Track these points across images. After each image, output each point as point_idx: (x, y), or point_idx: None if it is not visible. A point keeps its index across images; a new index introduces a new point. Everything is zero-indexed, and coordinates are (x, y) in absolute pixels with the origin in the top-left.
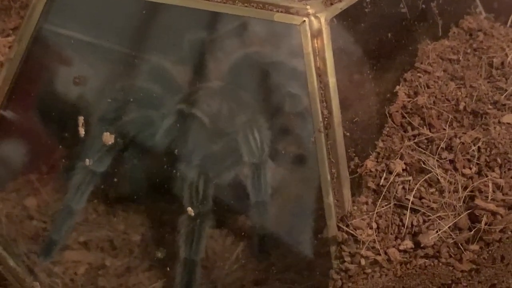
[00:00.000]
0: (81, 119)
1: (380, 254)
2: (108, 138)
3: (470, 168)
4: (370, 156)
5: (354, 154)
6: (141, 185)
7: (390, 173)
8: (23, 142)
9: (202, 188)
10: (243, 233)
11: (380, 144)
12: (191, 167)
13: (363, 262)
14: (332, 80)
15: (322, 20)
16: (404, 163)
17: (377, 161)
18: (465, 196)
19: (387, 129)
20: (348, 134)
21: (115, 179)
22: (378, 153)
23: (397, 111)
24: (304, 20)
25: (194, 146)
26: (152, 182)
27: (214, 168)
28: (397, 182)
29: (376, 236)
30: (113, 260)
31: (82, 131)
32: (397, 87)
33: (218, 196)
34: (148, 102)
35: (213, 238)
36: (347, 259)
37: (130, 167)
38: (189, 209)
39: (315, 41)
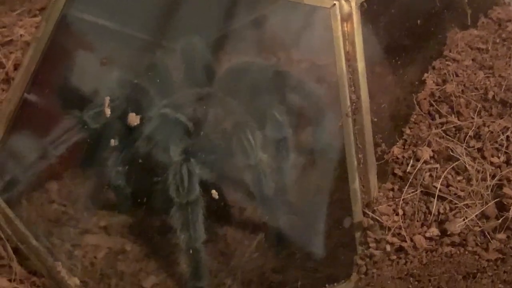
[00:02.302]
0: (107, 99)
1: (405, 241)
2: (134, 119)
3: (499, 157)
4: (397, 143)
5: (381, 141)
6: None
7: (417, 160)
8: (46, 124)
9: (186, 177)
10: (263, 222)
11: (407, 131)
12: (174, 159)
13: (388, 248)
14: (361, 65)
15: (353, 4)
16: (432, 151)
17: (404, 148)
18: (493, 185)
19: (415, 116)
20: (375, 120)
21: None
22: (405, 140)
23: (425, 99)
24: (335, 4)
25: (176, 143)
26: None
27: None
28: (424, 169)
29: (402, 222)
30: (133, 245)
31: (108, 112)
32: (425, 74)
33: (235, 184)
34: (140, 100)
35: (233, 226)
36: (372, 245)
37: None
38: (214, 191)
39: (345, 25)
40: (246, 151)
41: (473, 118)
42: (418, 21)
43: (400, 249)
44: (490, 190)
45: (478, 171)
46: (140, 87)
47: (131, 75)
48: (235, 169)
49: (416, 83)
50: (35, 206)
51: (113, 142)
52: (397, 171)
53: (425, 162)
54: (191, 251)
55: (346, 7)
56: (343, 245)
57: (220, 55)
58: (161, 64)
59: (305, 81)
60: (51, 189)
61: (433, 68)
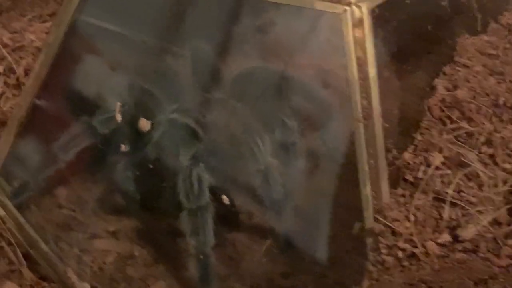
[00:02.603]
0: (118, 105)
1: (417, 247)
2: (145, 124)
3: (510, 163)
4: (408, 149)
5: (392, 146)
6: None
7: (429, 166)
8: (56, 129)
9: (196, 182)
10: (271, 227)
11: (418, 137)
12: (183, 164)
13: (400, 254)
14: (372, 70)
15: (364, 9)
16: (443, 156)
17: (415, 154)
18: (504, 191)
19: (426, 122)
20: (386, 125)
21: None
22: (416, 146)
23: (435, 104)
24: (346, 9)
25: (185, 148)
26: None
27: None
28: (436, 175)
29: (413, 228)
30: (141, 250)
31: (119, 117)
32: (436, 80)
33: (244, 189)
34: (149, 106)
35: (242, 231)
36: (384, 251)
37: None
38: (224, 197)
39: (356, 30)
40: (255, 156)
41: (484, 124)
42: (429, 27)
43: (412, 255)
44: (502, 196)
45: (490, 177)
46: (149, 92)
47: (140, 80)
48: (244, 174)
49: (427, 88)
50: (44, 211)
51: (123, 147)
52: (408, 177)
53: (437, 168)
54: (200, 256)
55: (357, 12)
56: (353, 250)
57: (228, 60)
58: (170, 69)
59: (314, 86)
60: (59, 194)
61: (444, 73)
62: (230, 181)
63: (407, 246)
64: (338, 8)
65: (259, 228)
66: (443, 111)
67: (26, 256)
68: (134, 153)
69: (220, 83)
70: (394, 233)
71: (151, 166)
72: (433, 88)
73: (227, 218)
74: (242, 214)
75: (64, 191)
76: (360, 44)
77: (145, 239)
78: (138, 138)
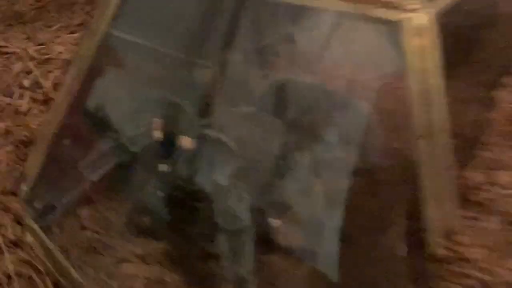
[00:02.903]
0: (157, 121)
1: (487, 274)
2: (187, 141)
3: None
4: (474, 167)
5: (456, 164)
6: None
7: (497, 185)
8: (85, 147)
9: (235, 202)
10: (312, 249)
11: (484, 153)
12: (219, 182)
13: (469, 282)
14: (437, 81)
15: (427, 16)
16: None
17: (481, 172)
18: None
19: (492, 137)
20: (451, 141)
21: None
22: (482, 164)
23: (500, 119)
24: (408, 16)
25: (221, 166)
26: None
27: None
28: (505, 195)
29: (483, 254)
30: (172, 275)
31: (158, 134)
32: (499, 92)
33: (285, 210)
34: (181, 121)
35: (281, 254)
36: (451, 278)
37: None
38: (273, 220)
39: (419, 39)
40: (295, 175)
41: None
42: (490, 34)
43: (482, 283)
44: None
45: None
46: (180, 107)
47: (171, 96)
48: (285, 193)
49: (490, 101)
50: (69, 233)
51: (164, 167)
52: (475, 197)
53: (505, 187)
54: (237, 282)
55: (420, 19)
56: (412, 277)
57: (261, 72)
58: (200, 83)
59: (363, 100)
60: (84, 215)
61: (507, 85)
62: (270, 201)
63: (476, 273)
64: (400, 15)
65: (300, 250)
66: (508, 125)
67: (56, 285)
68: (165, 171)
69: (254, 96)
70: (461, 258)
71: (182, 185)
72: (496, 101)
73: (267, 240)
74: (283, 236)
75: (90, 212)
76: (422, 53)
77: (176, 263)
78: (169, 155)
